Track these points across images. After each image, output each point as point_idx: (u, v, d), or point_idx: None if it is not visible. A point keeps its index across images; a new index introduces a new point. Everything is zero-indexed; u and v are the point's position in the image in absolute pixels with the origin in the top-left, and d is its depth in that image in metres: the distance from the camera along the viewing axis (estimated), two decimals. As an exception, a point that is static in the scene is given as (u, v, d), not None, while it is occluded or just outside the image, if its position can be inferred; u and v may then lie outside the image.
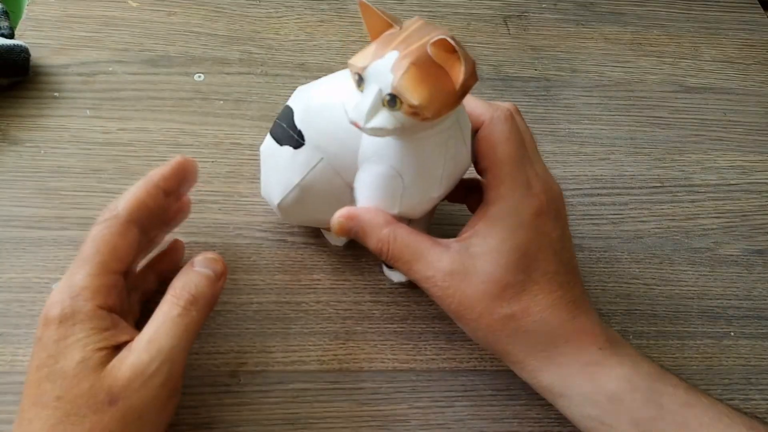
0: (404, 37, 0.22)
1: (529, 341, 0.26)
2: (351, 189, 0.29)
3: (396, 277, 0.33)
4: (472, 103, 0.28)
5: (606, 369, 0.26)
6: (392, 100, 0.22)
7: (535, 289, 0.26)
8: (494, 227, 0.26)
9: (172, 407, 0.25)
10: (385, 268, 0.33)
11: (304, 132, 0.28)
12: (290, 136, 0.28)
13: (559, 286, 0.26)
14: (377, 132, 0.23)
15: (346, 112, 0.23)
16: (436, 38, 0.21)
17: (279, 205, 0.30)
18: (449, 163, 0.26)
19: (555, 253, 0.26)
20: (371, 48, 0.22)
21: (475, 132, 0.27)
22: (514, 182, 0.26)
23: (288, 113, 0.29)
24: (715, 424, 0.24)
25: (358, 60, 0.23)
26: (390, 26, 0.23)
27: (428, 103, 0.22)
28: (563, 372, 0.26)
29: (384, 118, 0.22)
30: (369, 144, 0.26)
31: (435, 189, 0.27)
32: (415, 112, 0.22)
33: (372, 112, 0.22)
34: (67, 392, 0.22)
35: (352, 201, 0.29)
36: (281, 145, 0.29)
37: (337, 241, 0.33)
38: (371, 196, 0.28)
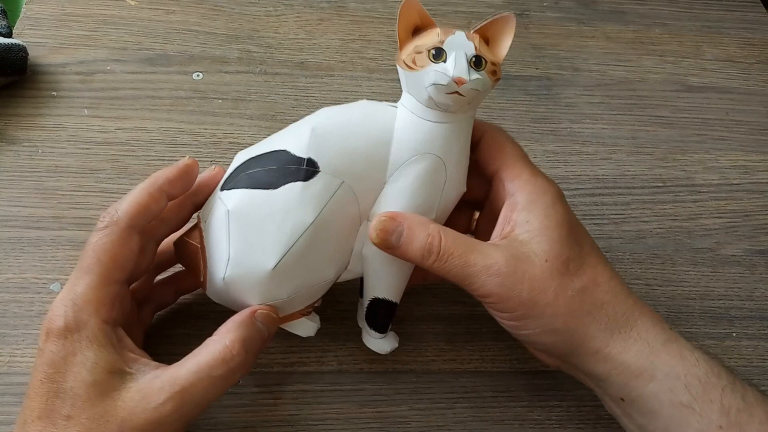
0: (443, 29, 0.25)
1: (608, 314, 0.25)
2: (362, 222, 0.27)
3: (379, 345, 0.29)
4: None
5: (688, 349, 0.24)
6: (478, 60, 0.25)
7: (592, 260, 0.26)
8: (532, 210, 0.26)
9: None
10: (366, 336, 0.29)
11: (316, 159, 0.25)
12: (293, 171, 0.25)
13: (607, 260, 0.26)
14: (477, 84, 0.24)
15: (441, 76, 0.24)
16: (494, 17, 0.26)
17: (277, 266, 0.24)
18: (468, 158, 0.27)
19: (585, 229, 0.27)
20: (431, 34, 0.25)
21: (475, 143, 0.28)
22: (532, 171, 0.27)
23: (273, 156, 0.25)
24: None
25: (429, 40, 0.25)
26: (422, 25, 0.26)
27: (500, 63, 0.26)
28: (650, 348, 0.24)
29: (477, 74, 0.25)
30: (405, 144, 0.26)
31: (464, 182, 0.27)
32: (494, 70, 0.25)
33: (468, 70, 0.24)
34: (79, 413, 0.22)
35: (352, 249, 0.27)
36: (277, 187, 0.25)
37: (309, 329, 0.28)
38: (412, 200, 0.26)
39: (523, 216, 0.26)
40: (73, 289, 0.23)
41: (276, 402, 0.29)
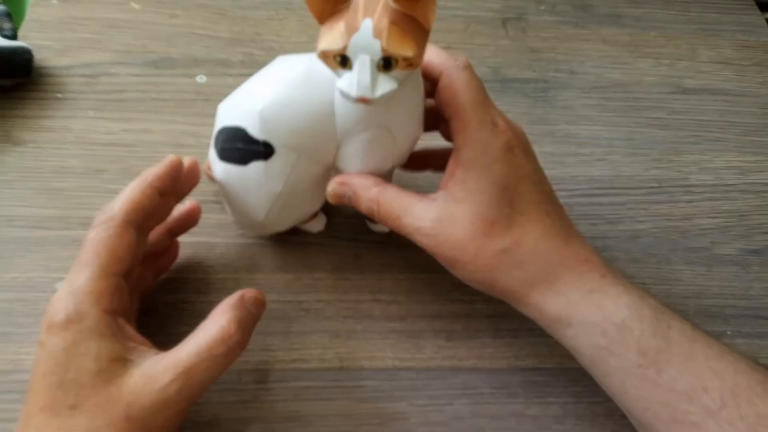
0: (363, 4, 0.22)
1: (528, 272, 0.26)
2: (330, 170, 0.30)
3: (378, 227, 0.34)
4: (430, 52, 0.28)
5: (611, 297, 0.26)
6: (387, 63, 0.23)
7: (523, 220, 0.27)
8: (468, 169, 0.27)
9: (181, 423, 0.25)
10: (368, 222, 0.35)
11: (270, 140, 0.27)
12: (255, 151, 0.27)
13: (546, 215, 0.27)
14: (384, 98, 0.23)
15: (346, 94, 0.23)
16: None
17: (264, 220, 0.29)
18: (422, 98, 0.28)
19: (534, 183, 0.28)
20: (338, 27, 0.23)
21: (434, 82, 0.28)
22: (480, 123, 0.27)
23: (236, 133, 0.27)
24: (720, 359, 0.24)
25: (332, 43, 0.23)
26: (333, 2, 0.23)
27: (419, 50, 0.23)
28: (568, 300, 0.26)
29: (385, 82, 0.23)
30: (347, 118, 0.27)
31: (419, 127, 0.29)
32: (410, 63, 0.23)
33: (374, 82, 0.23)
34: (84, 402, 0.22)
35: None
36: (246, 164, 0.28)
37: (318, 226, 0.34)
38: (364, 161, 0.28)
39: (461, 174, 0.27)
40: (73, 283, 0.24)
41: (277, 398, 0.29)
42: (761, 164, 0.42)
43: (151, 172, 0.27)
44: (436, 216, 0.27)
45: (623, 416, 0.31)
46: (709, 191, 0.40)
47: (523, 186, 0.27)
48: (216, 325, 0.24)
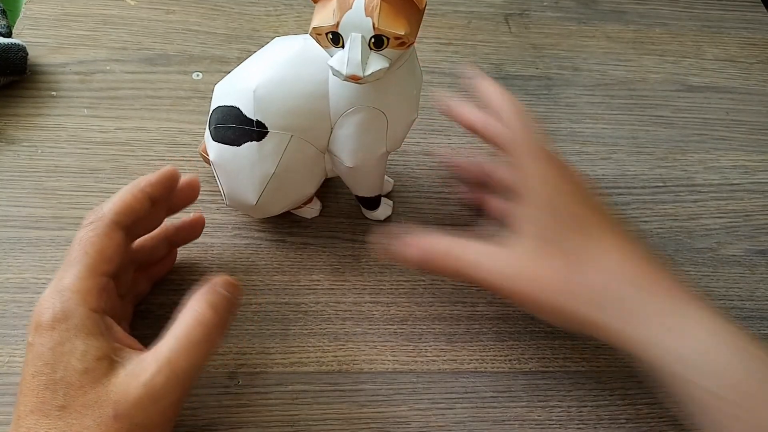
0: None
1: (623, 301, 0.25)
2: (324, 153, 0.30)
3: (374, 215, 0.34)
4: (497, 97, 0.30)
5: (729, 336, 0.24)
6: (378, 41, 0.23)
7: (597, 248, 0.26)
8: (531, 204, 0.27)
9: (175, 420, 0.25)
10: (364, 210, 0.34)
11: (263, 119, 0.27)
12: (248, 131, 0.27)
13: (621, 238, 0.27)
14: (375, 76, 0.23)
15: (336, 71, 0.24)
16: None
17: (257, 203, 0.29)
18: (418, 82, 0.28)
19: (595, 209, 0.28)
20: (330, 5, 0.23)
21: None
22: (534, 156, 0.28)
23: (231, 112, 0.28)
24: None
25: (324, 20, 0.23)
26: None
27: (410, 29, 0.23)
28: (684, 343, 0.24)
29: (376, 60, 0.23)
30: (340, 98, 0.27)
31: (413, 110, 0.29)
32: (402, 42, 0.23)
33: (365, 60, 0.23)
34: (72, 402, 0.22)
35: (324, 166, 0.31)
36: (239, 145, 0.28)
37: (313, 212, 0.34)
38: (357, 143, 0.28)
39: (524, 210, 0.27)
40: (60, 282, 0.24)
41: (275, 402, 0.29)
42: (767, 163, 0.41)
43: (145, 179, 0.27)
44: (515, 262, 0.26)
45: (627, 420, 0.30)
46: (715, 191, 0.40)
47: (589, 213, 0.27)
48: (189, 311, 0.24)
